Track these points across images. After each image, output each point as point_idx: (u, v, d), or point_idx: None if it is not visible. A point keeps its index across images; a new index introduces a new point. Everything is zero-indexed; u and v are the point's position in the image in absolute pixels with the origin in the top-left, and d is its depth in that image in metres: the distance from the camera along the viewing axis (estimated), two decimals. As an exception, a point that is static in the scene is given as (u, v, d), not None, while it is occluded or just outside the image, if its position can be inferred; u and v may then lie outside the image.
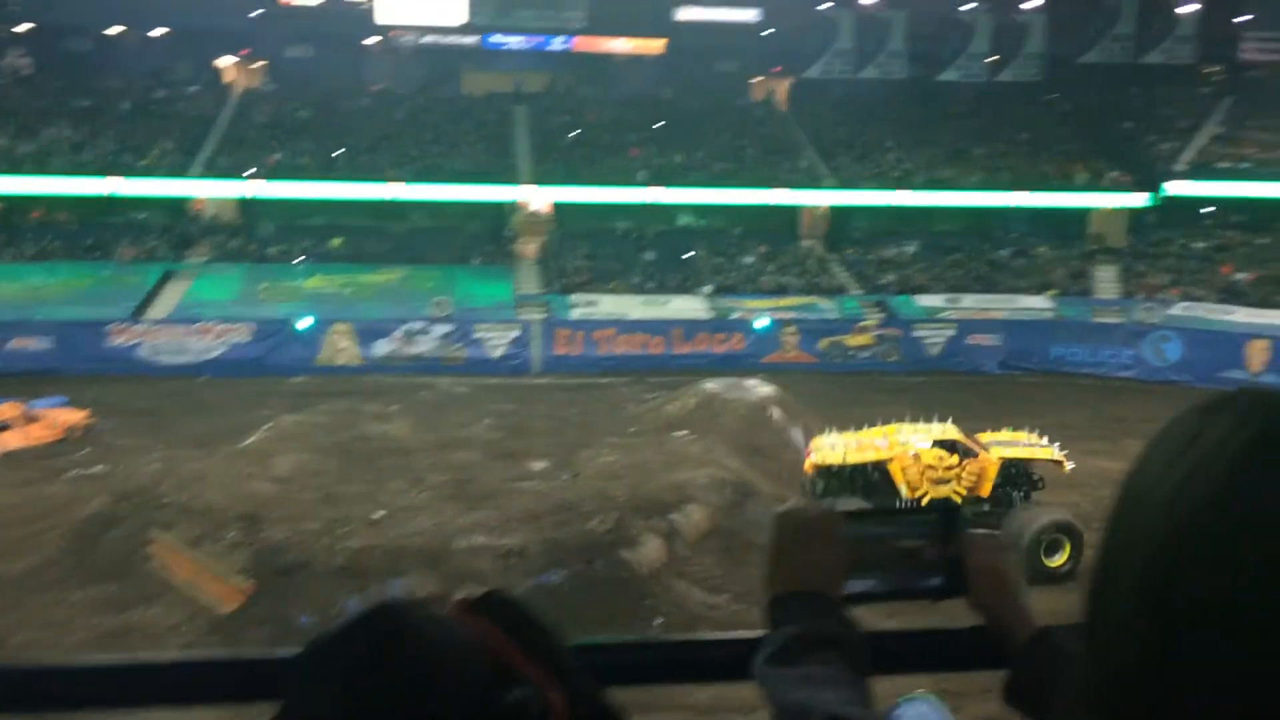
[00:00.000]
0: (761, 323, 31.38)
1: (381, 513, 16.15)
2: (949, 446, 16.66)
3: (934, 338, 31.83)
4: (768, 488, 18.62)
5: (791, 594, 1.18)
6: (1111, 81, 41.70)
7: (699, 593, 14.86)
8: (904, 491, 16.24)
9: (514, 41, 43.01)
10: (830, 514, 1.24)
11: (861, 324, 31.92)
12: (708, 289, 33.66)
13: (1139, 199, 36.77)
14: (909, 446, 16.60)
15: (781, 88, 44.05)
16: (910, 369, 30.91)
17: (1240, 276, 32.98)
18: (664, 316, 31.74)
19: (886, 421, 18.14)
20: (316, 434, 20.25)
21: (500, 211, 37.58)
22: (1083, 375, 30.86)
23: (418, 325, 29.76)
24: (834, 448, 17.12)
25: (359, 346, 29.42)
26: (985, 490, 16.45)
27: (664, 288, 33.68)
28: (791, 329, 31.41)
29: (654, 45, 42.71)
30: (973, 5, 41.59)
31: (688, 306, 32.60)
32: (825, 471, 16.98)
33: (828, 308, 32.91)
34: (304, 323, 29.18)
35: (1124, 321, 32.04)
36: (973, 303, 33.21)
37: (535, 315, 31.45)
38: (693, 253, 35.82)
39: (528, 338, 30.33)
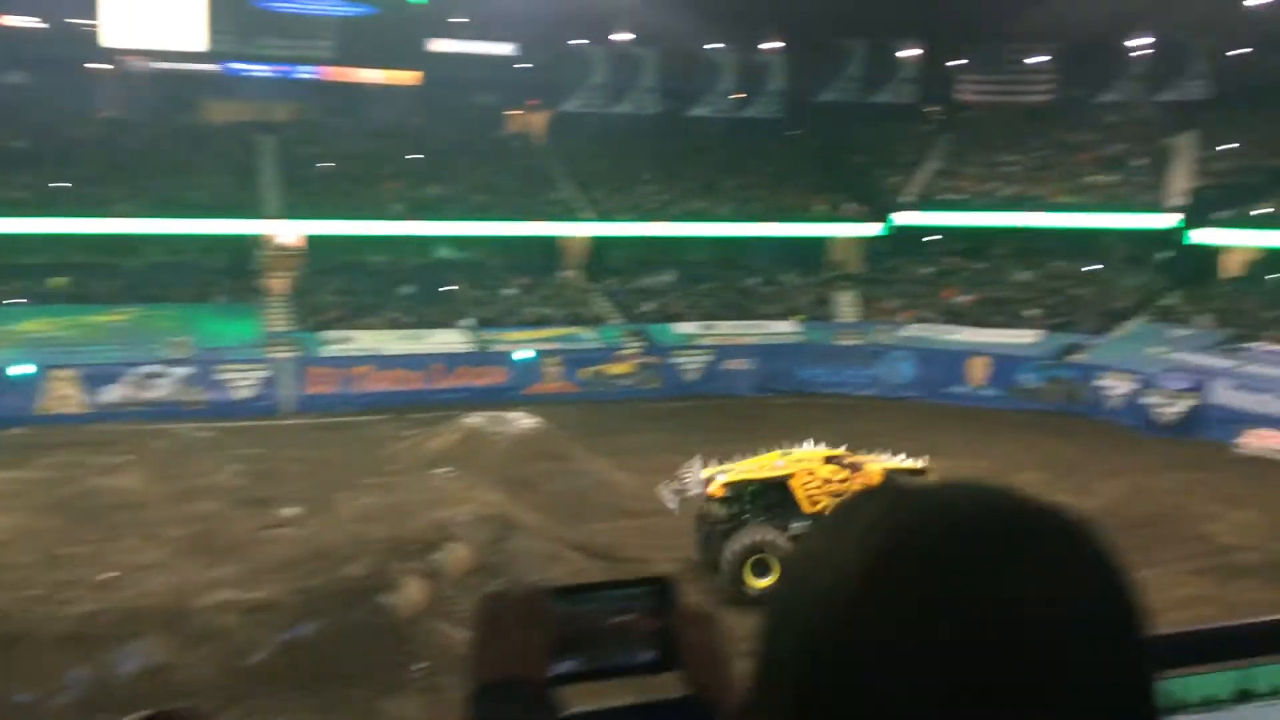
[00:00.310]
0: (523, 354, 31.37)
1: (112, 573, 14.91)
2: (837, 462, 17.27)
3: (691, 364, 32.81)
4: (533, 521, 18.53)
5: (495, 683, 1.12)
6: (845, 119, 44.50)
7: (462, 633, 14.51)
8: (804, 506, 16.53)
9: (259, 70, 41.30)
10: (536, 593, 1.19)
11: (622, 353, 32.48)
12: (468, 322, 33.32)
13: (872, 229, 39.34)
14: (805, 464, 17.06)
15: (538, 121, 44.40)
16: (670, 395, 31.70)
17: (961, 299, 35.85)
18: (423, 351, 31.16)
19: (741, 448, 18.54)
20: (35, 491, 18.54)
21: (245, 246, 35.84)
22: (828, 395, 32.58)
23: (153, 368, 27.86)
24: (731, 471, 17.32)
25: (85, 393, 27.22)
26: None
27: (423, 322, 33.07)
28: (554, 360, 31.58)
29: (408, 77, 42.07)
30: (718, 45, 43.40)
31: (448, 340, 32.15)
32: (735, 490, 17.09)
33: (589, 337, 33.30)
34: (19, 369, 26.70)
35: (863, 343, 34.12)
36: (727, 329, 34.47)
37: (285, 354, 30.12)
38: (452, 285, 35.38)
39: (277, 377, 28.99)
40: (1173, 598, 16.38)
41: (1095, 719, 0.71)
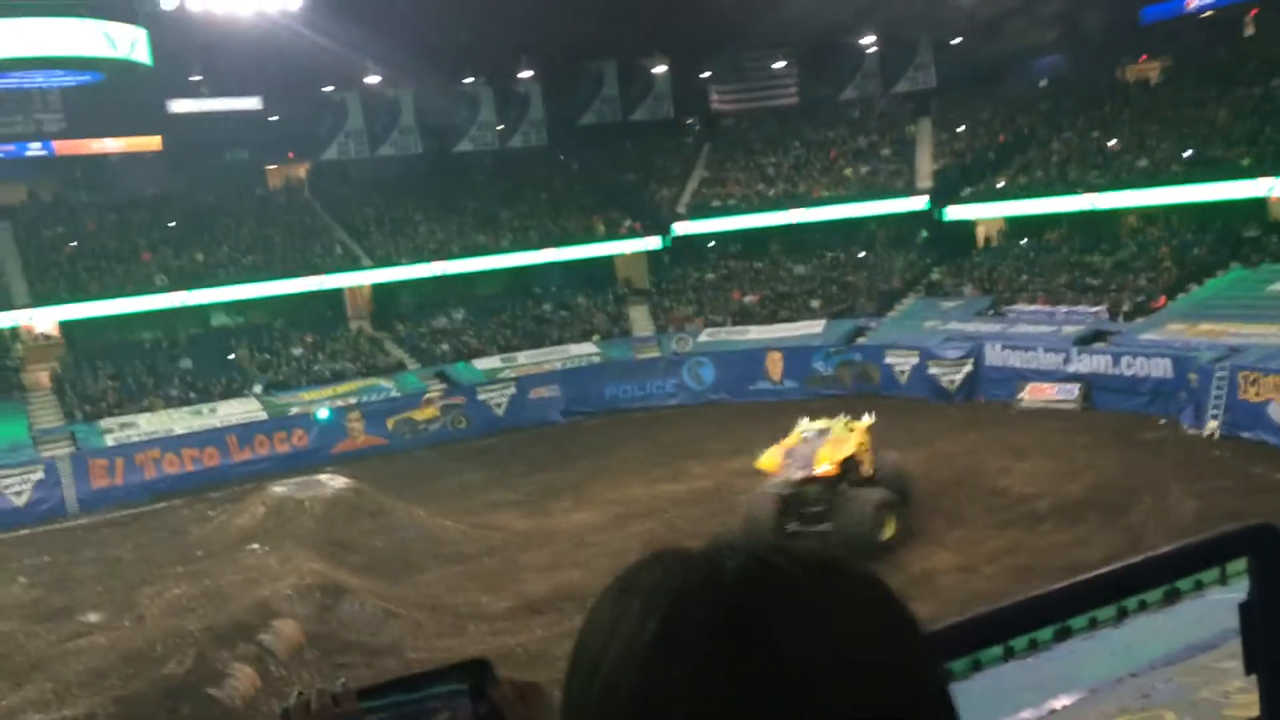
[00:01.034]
0: (323, 413, 30.23)
1: (-106, 719, 13.34)
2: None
3: (497, 398, 32.51)
4: (360, 583, 17.89)
5: None
6: (609, 139, 45.37)
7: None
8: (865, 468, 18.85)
9: (-19, 151, 38.12)
10: (342, 696, 1.12)
11: (426, 397, 31.83)
12: (258, 388, 31.81)
13: (653, 242, 40.18)
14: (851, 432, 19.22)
15: (299, 173, 43.03)
16: (481, 433, 31.31)
17: (748, 299, 37.13)
18: (214, 425, 29.52)
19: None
20: None
21: (-3, 340, 32.98)
22: (637, 409, 33.04)
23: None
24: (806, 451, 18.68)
25: None
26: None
27: (208, 395, 31.31)
28: (355, 414, 30.60)
29: (150, 142, 39.81)
30: (473, 79, 43.34)
31: (238, 410, 30.56)
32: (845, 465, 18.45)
33: (388, 387, 32.42)
34: None
35: (662, 354, 34.78)
36: (527, 359, 34.37)
37: (61, 450, 27.86)
38: (234, 353, 33.71)
39: (55, 476, 26.78)
40: (987, 551, 17.50)
41: None
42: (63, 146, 38.60)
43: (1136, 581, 1.68)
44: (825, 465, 18.25)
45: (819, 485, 18.21)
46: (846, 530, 17.26)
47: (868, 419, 20.30)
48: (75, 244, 35.43)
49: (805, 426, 19.95)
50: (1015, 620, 1.59)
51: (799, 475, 18.22)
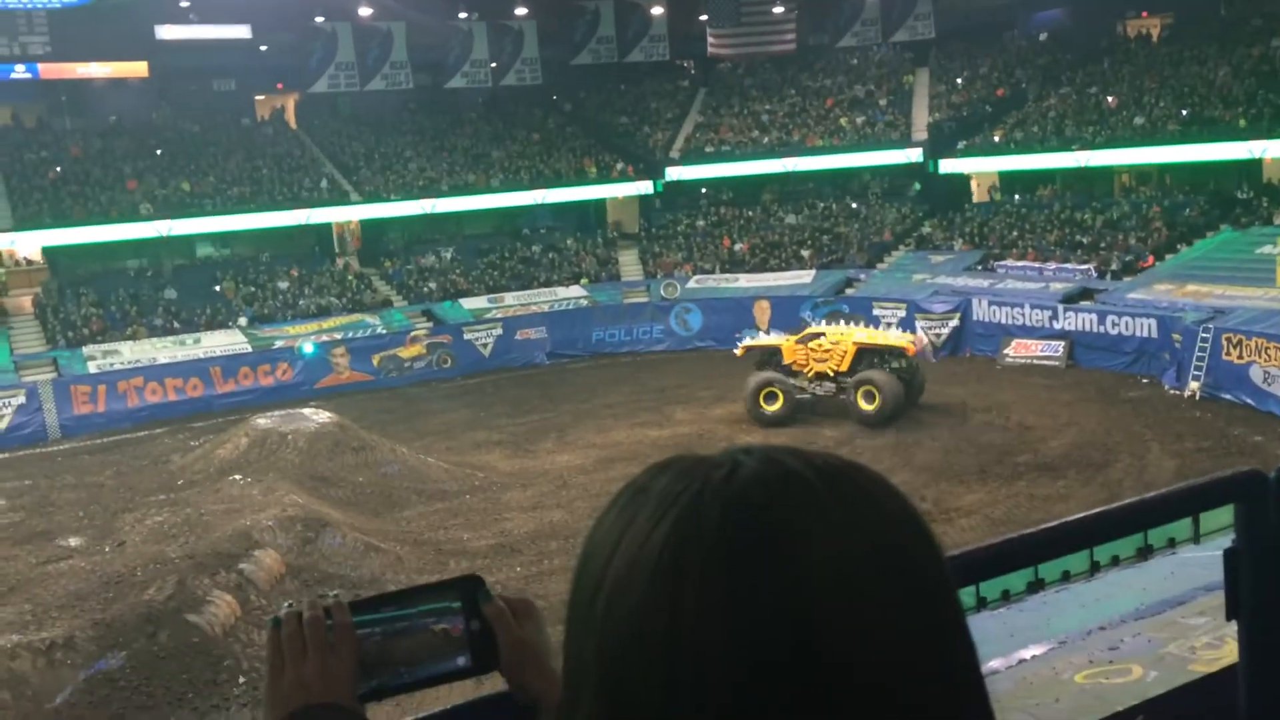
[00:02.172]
0: (308, 348, 30.13)
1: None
2: (816, 336, 24.00)
3: (483, 338, 32.45)
4: (342, 517, 17.96)
5: (301, 711, 1.04)
6: (603, 81, 44.84)
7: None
8: (793, 368, 23.85)
9: (-35, 72, 37.39)
10: (335, 608, 1.10)
11: (412, 335, 31.73)
12: (243, 320, 31.64)
13: (645, 187, 39.91)
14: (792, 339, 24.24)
15: (288, 104, 42.42)
16: (466, 372, 31.31)
17: (738, 247, 36.99)
18: (198, 356, 29.40)
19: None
20: None
21: (-23, 265, 32.64)
22: (623, 353, 33.05)
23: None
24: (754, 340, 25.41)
25: None
26: (845, 366, 23.30)
27: (193, 325, 31.14)
28: (341, 350, 30.51)
29: (138, 68, 39.08)
30: (466, 15, 42.61)
31: (224, 341, 30.43)
32: (754, 352, 24.74)
33: (375, 323, 32.29)
34: None
35: (650, 300, 34.70)
36: (514, 300, 34.26)
37: (43, 375, 27.73)
38: (219, 285, 33.47)
39: (37, 402, 26.67)
40: (966, 503, 17.66)
41: (912, 677, 0.70)
42: (48, 70, 37.87)
43: (1130, 522, 1.67)
44: (738, 349, 25.17)
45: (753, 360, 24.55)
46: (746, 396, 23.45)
47: (868, 330, 25.11)
48: (59, 169, 34.95)
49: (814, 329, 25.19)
50: (1022, 553, 1.58)
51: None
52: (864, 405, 22.66)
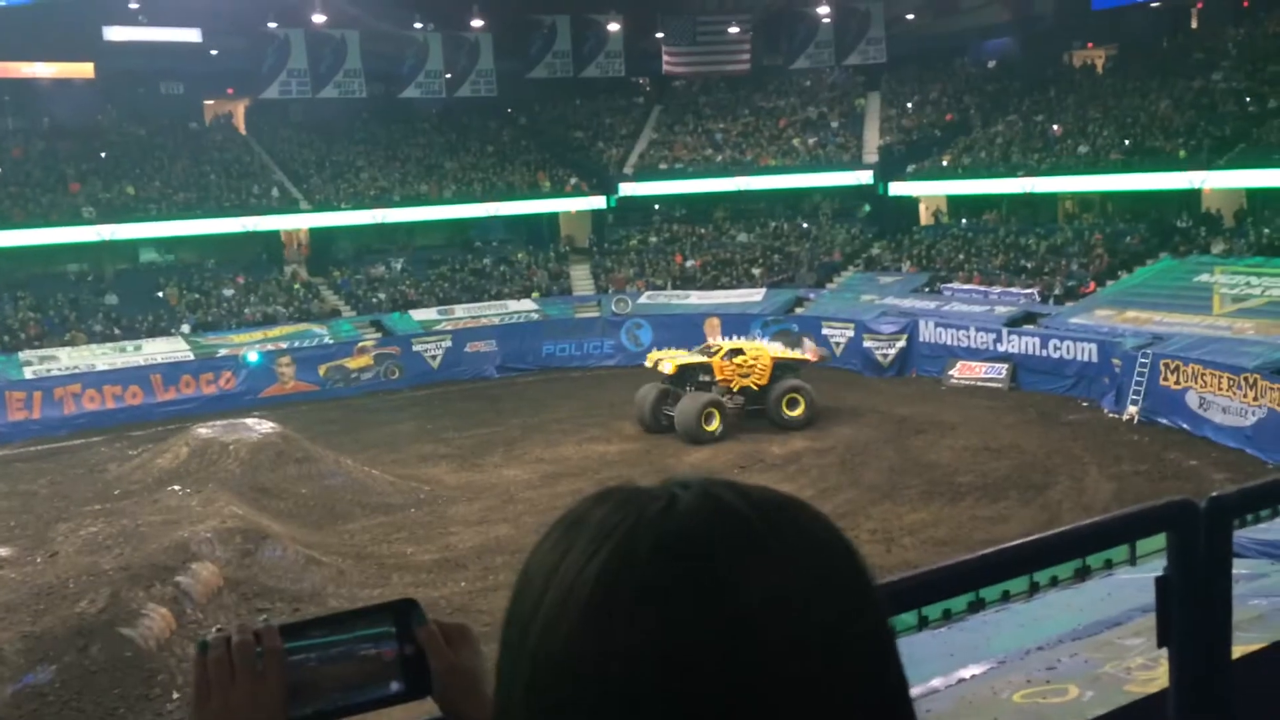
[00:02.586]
0: (252, 357, 29.70)
1: None
2: (739, 352, 24.69)
3: (433, 350, 32.23)
4: (283, 530, 17.67)
5: None
6: (558, 95, 44.90)
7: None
8: (721, 383, 24.26)
9: (-97, 67, 36.48)
10: (265, 632, 1.07)
11: (360, 345, 31.42)
12: (186, 328, 31.12)
13: (598, 202, 39.97)
14: (720, 353, 24.72)
15: (238, 110, 41.92)
16: (414, 383, 31.07)
17: (690, 263, 37.14)
18: (139, 363, 28.85)
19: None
20: None
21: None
22: (573, 368, 32.99)
23: None
24: (674, 358, 24.81)
25: None
26: (766, 380, 24.37)
27: (134, 332, 30.55)
28: (286, 359, 30.13)
29: (82, 69, 38.41)
30: (422, 25, 42.44)
31: (165, 349, 29.89)
32: (679, 373, 24.32)
33: (322, 333, 31.93)
34: None
35: (601, 314, 34.69)
36: (464, 312, 34.06)
37: (-20, 380, 27.04)
38: (162, 291, 32.89)
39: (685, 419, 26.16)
40: (909, 523, 17.82)
41: (843, 710, 0.70)
42: (-11, 68, 37.14)
43: (1065, 549, 1.69)
44: (662, 364, 24.53)
45: (670, 379, 24.40)
46: (681, 417, 23.18)
47: (783, 349, 26.19)
48: (0, 170, 34.21)
49: (728, 342, 25.58)
50: (960, 579, 1.58)
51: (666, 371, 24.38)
52: (790, 412, 24.00)
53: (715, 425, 23.46)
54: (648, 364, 25.44)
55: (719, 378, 24.38)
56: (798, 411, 24.02)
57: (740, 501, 0.74)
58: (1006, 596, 7.83)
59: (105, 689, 12.48)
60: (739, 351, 24.75)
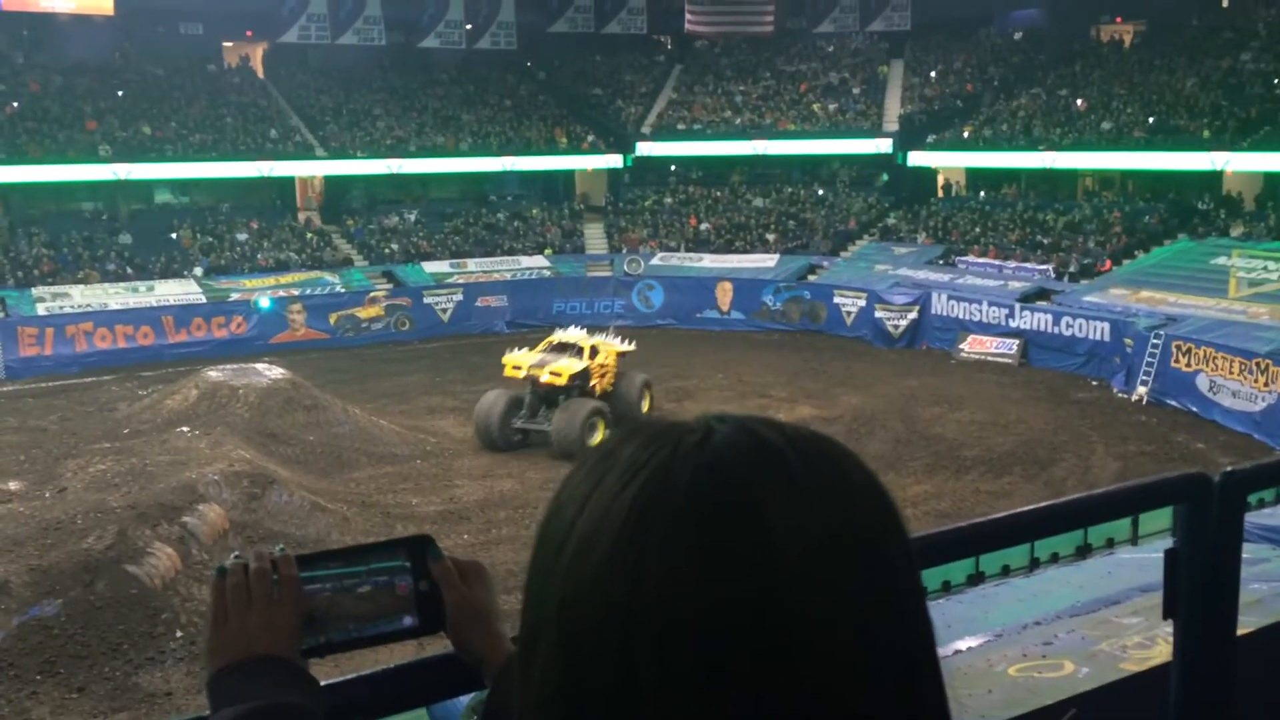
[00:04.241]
0: (264, 302, 29.75)
1: None
2: (596, 351, 21.20)
3: (443, 303, 32.24)
4: (289, 475, 17.79)
5: (240, 663, 1.04)
6: (578, 51, 44.50)
7: (220, 599, 13.78)
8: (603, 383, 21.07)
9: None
10: (282, 561, 1.10)
11: (371, 295, 31.44)
12: (198, 270, 31.16)
13: (614, 160, 39.74)
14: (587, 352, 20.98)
15: (256, 53, 41.67)
16: (424, 336, 31.11)
17: (704, 226, 36.98)
18: (151, 304, 28.92)
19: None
20: None
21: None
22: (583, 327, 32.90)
23: None
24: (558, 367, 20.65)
25: None
26: (609, 384, 21.24)
27: (147, 272, 30.61)
28: (297, 306, 30.19)
29: (102, 5, 38.20)
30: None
31: (178, 291, 29.95)
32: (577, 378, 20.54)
33: (333, 282, 31.95)
34: None
35: (613, 274, 34.62)
36: (476, 266, 34.03)
37: (-14, 314, 27.17)
38: (176, 233, 32.90)
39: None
40: (912, 494, 17.86)
41: (871, 653, 0.70)
42: (9, 1, 36.93)
43: (1078, 516, 1.69)
44: (548, 375, 20.42)
45: (546, 390, 20.52)
46: (561, 431, 19.44)
47: (620, 344, 22.28)
48: (16, 104, 34.10)
49: (558, 336, 22.05)
50: (986, 538, 1.59)
51: (534, 379, 20.53)
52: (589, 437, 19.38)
53: (599, 438, 19.16)
54: (507, 369, 20.97)
55: (593, 382, 21.06)
56: (594, 440, 18.61)
57: (778, 437, 0.74)
58: (1006, 571, 7.86)
59: (110, 624, 12.63)
60: (595, 350, 21.22)
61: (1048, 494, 17.03)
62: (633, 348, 22.55)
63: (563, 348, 21.27)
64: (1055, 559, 8.28)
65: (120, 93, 36.04)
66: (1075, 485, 17.62)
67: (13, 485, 16.86)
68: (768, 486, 0.70)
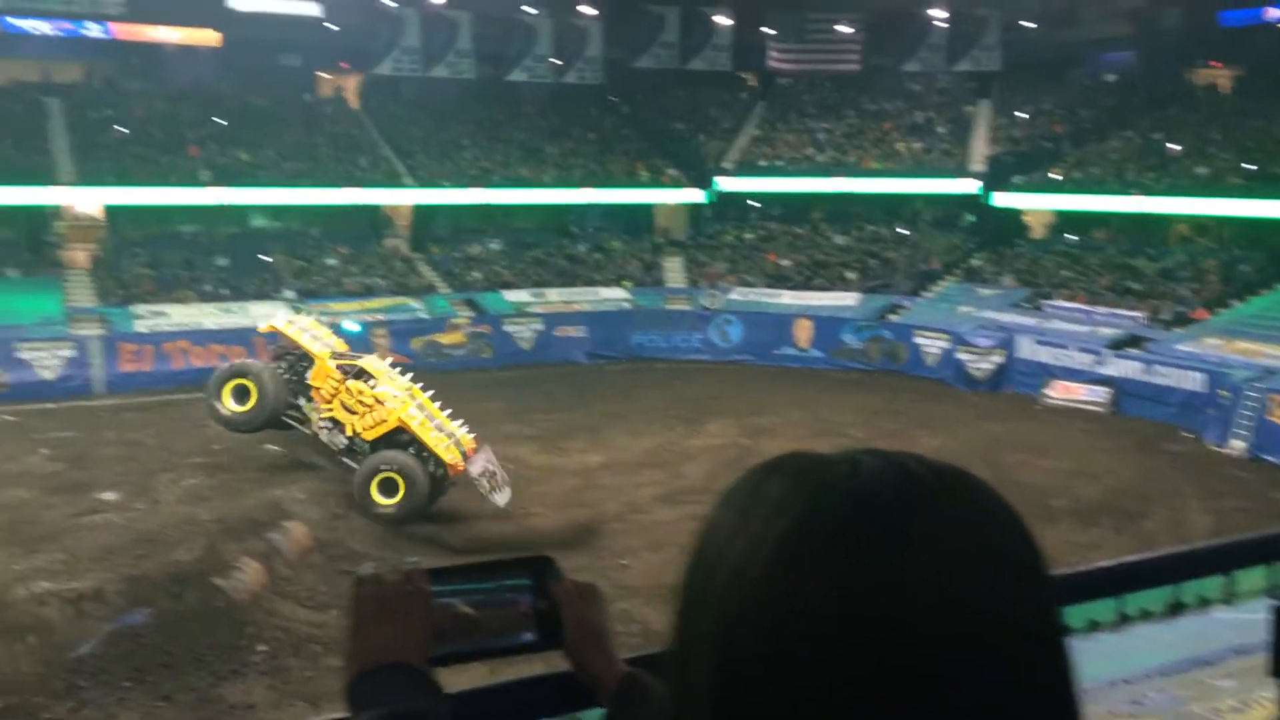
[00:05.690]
0: (352, 326, 30.33)
1: (-90, 571, 13.67)
2: (366, 376, 18.33)
3: (523, 332, 32.60)
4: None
5: (374, 670, 1.10)
6: (663, 86, 44.90)
7: (304, 612, 14.09)
8: (311, 393, 18.24)
9: (42, 26, 38.10)
10: (414, 574, 1.16)
11: (453, 322, 31.94)
12: (289, 293, 32.01)
13: (696, 195, 39.93)
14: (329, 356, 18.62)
15: (351, 84, 42.87)
16: (503, 363, 31.46)
17: (784, 263, 36.90)
18: (244, 324, 29.69)
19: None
20: None
21: (39, 216, 33.26)
22: (660, 360, 33.05)
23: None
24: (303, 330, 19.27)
25: None
26: (370, 437, 17.87)
27: (241, 294, 31.54)
28: (382, 331, 30.75)
29: (208, 36, 39.69)
30: (533, 10, 42.86)
31: (269, 312, 30.65)
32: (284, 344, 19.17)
33: (418, 307, 32.56)
34: None
35: (692, 308, 34.70)
36: (557, 296, 34.38)
37: (93, 330, 28.19)
38: (270, 256, 33.89)
39: (85, 356, 27.11)
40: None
41: (1014, 687, 0.72)
42: (121, 30, 38.57)
43: (1174, 571, 1.69)
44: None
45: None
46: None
47: (410, 403, 18.51)
48: (124, 129, 35.52)
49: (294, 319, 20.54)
50: (1080, 588, 1.59)
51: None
52: (378, 497, 17.11)
53: (248, 406, 18.28)
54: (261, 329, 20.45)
55: (313, 380, 18.40)
56: (390, 501, 17.08)
57: (926, 471, 0.76)
58: (1094, 626, 7.69)
59: (196, 635, 12.95)
60: (367, 375, 18.47)
61: (1138, 547, 16.55)
62: (451, 454, 17.68)
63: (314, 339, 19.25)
64: (1145, 616, 8.06)
65: (222, 120, 37.34)
66: (1167, 540, 17.10)
67: (110, 496, 17.42)
68: (917, 518, 0.73)
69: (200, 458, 19.92)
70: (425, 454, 17.59)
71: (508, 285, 34.76)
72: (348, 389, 18.06)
